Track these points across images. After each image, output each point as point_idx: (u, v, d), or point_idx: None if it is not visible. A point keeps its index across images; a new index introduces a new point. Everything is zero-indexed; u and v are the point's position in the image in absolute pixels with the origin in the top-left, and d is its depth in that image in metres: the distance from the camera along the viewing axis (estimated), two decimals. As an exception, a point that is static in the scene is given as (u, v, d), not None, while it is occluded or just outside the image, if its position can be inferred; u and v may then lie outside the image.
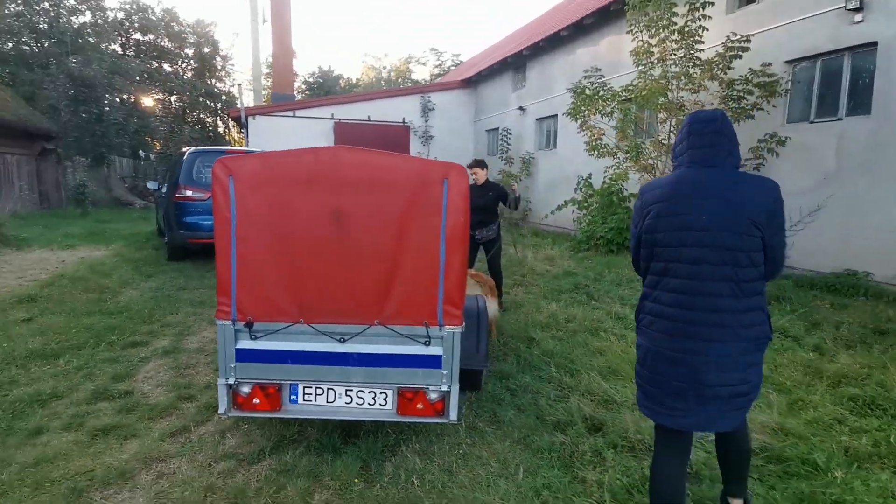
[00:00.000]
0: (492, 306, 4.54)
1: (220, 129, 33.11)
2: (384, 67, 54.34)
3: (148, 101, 26.64)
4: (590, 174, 11.24)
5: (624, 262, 8.39)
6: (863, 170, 6.81)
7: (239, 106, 17.41)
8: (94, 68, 18.85)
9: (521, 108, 15.72)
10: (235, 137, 37.64)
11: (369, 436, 3.09)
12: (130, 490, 2.59)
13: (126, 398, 3.59)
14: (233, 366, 2.84)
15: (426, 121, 18.58)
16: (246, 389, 2.88)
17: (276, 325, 2.82)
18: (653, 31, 7.92)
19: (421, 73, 50.67)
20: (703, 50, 7.87)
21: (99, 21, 25.29)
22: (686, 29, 7.58)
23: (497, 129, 17.40)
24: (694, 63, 7.81)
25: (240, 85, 18.60)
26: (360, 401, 2.92)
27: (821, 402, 3.47)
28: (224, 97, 33.39)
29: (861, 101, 6.97)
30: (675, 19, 7.66)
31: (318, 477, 2.71)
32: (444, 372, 2.83)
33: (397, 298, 2.78)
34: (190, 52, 32.68)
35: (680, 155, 2.11)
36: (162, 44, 30.76)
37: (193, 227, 7.87)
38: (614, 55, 11.39)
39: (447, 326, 2.80)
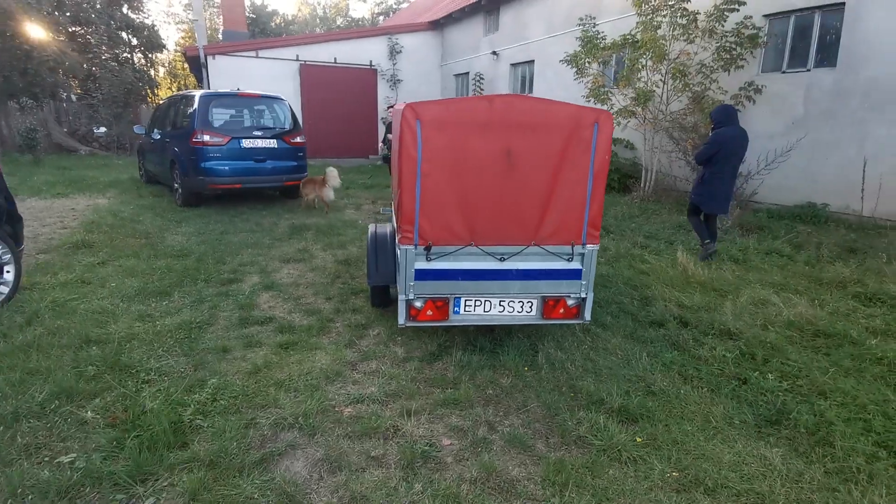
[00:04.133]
0: (329, 192, 8.32)
1: (138, 65, 28.94)
2: (319, 3, 51.41)
3: (59, 35, 23.80)
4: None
5: (620, 201, 9.31)
6: (826, 116, 7.94)
7: (195, 44, 16.30)
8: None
9: (494, 53, 15.93)
10: (161, 76, 34.39)
11: (509, 339, 3.75)
12: (354, 383, 3.12)
13: (272, 322, 4.00)
14: (412, 284, 3.36)
15: (394, 64, 18.35)
16: (419, 304, 3.42)
17: (450, 247, 3.35)
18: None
19: (361, 12, 48.48)
20: (689, 1, 8.50)
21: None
22: None
23: (467, 73, 17.55)
24: (682, 14, 8.47)
25: (195, 21, 17.00)
26: (511, 309, 3.54)
27: (832, 299, 4.50)
28: (146, 31, 30.37)
29: (827, 55, 8.00)
30: None
31: (494, 368, 3.35)
32: (584, 282, 3.50)
33: (551, 223, 3.37)
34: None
35: (721, 123, 5.59)
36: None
37: (213, 172, 7.84)
38: (595, 2, 11.88)
39: (588, 245, 3.44)
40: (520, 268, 3.45)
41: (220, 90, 8.27)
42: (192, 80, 37.79)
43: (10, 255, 4.10)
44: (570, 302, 3.54)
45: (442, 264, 3.39)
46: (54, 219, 7.24)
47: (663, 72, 8.76)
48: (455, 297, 3.48)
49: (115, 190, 9.78)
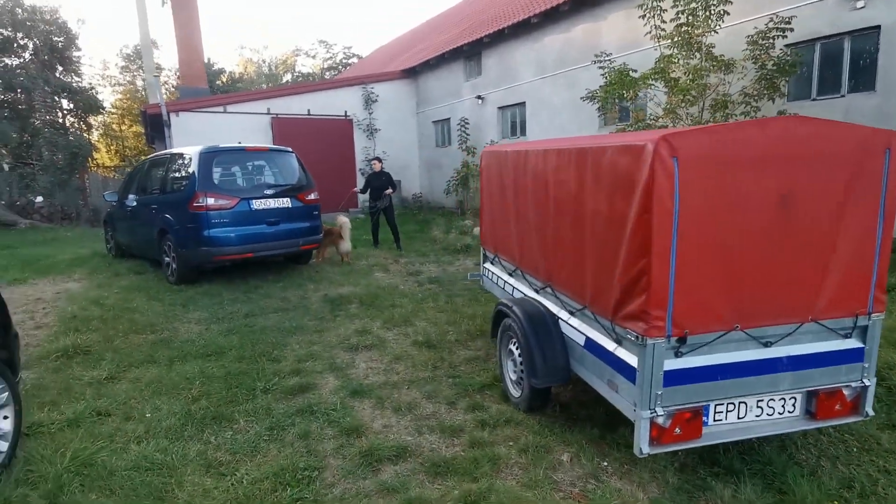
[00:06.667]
0: (345, 245, 7.98)
1: (71, 129, 26.35)
2: (264, 61, 50.80)
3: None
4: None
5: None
6: (871, 140, 7.66)
7: (157, 101, 14.89)
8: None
9: (479, 97, 15.50)
10: (95, 138, 31.97)
11: (748, 449, 2.72)
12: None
13: (410, 456, 2.78)
14: (659, 392, 2.31)
15: (370, 113, 17.59)
16: (662, 420, 2.35)
17: (709, 335, 2.34)
18: (663, 17, 8.08)
19: (309, 67, 48.12)
20: (709, 34, 8.16)
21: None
22: (701, 14, 7.80)
23: (448, 119, 17.00)
24: (698, 47, 8.09)
25: (155, 76, 15.68)
26: (771, 410, 2.54)
27: None
28: (83, 94, 28.23)
29: (863, 80, 7.81)
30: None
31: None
32: (866, 365, 2.56)
33: (832, 289, 2.45)
34: (37, 42, 26.96)
35: None
36: (6, 33, 25.16)
37: (219, 241, 6.51)
38: (591, 40, 11.64)
39: (874, 314, 2.53)
40: (792, 354, 2.47)
41: (221, 145, 7.06)
42: (132, 141, 35.69)
43: (7, 393, 2.68)
44: (846, 393, 2.59)
45: (695, 360, 2.37)
46: (21, 315, 5.63)
47: (703, 104, 8.31)
48: (704, 405, 2.45)
49: (82, 269, 8.14)
